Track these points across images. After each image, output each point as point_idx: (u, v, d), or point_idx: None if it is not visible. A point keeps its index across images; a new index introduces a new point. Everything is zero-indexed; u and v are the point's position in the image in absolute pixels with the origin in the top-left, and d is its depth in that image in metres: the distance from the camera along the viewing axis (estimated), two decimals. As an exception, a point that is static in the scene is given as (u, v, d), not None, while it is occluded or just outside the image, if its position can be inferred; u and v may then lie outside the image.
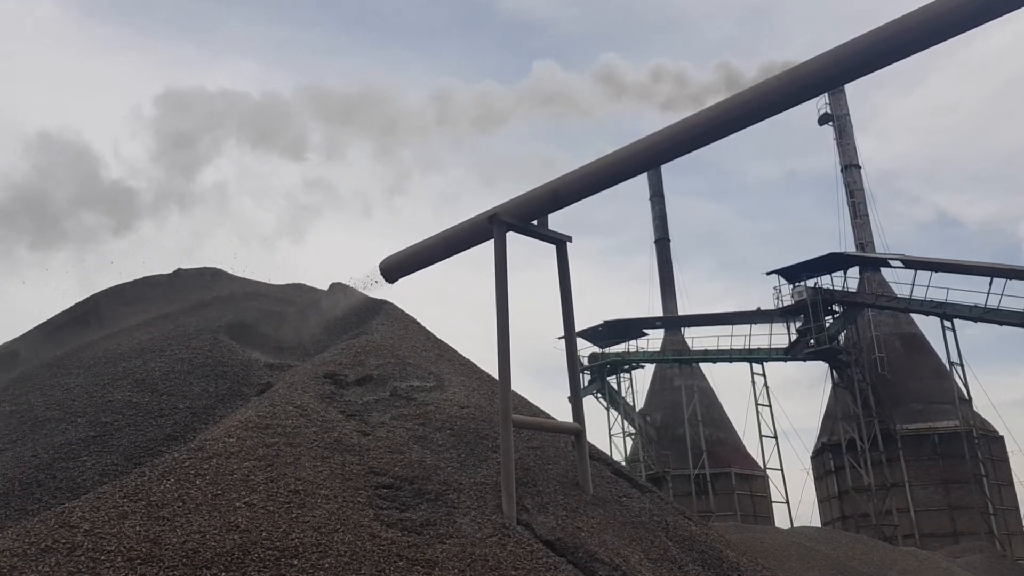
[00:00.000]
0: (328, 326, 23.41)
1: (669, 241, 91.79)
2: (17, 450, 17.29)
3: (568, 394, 16.43)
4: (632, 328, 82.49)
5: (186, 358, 20.40)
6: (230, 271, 30.47)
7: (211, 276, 29.86)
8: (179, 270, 30.57)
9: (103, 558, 11.49)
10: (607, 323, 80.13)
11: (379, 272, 19.63)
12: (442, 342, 21.90)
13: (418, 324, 22.66)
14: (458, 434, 16.42)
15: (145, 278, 30.52)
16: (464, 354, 21.88)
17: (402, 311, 23.31)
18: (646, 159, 14.77)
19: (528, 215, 16.06)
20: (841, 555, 32.45)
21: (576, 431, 15.88)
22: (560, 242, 16.66)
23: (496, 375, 16.60)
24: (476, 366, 21.01)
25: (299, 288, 27.73)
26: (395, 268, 19.31)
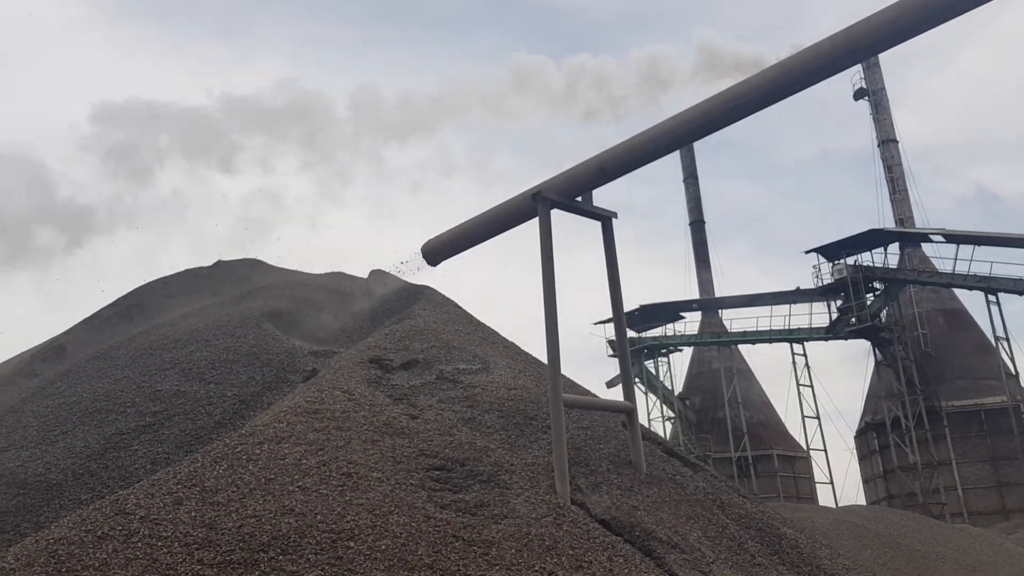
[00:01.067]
0: (369, 313, 23.34)
1: (704, 223, 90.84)
2: (68, 441, 17.39)
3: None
4: (669, 312, 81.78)
5: (231, 347, 20.42)
6: (269, 261, 30.55)
7: (251, 266, 29.95)
8: (220, 262, 30.70)
9: (160, 544, 11.47)
10: (643, 307, 79.54)
11: (421, 256, 19.41)
12: (485, 325, 21.74)
13: (460, 308, 22.52)
14: (507, 415, 16.24)
15: (187, 270, 30.70)
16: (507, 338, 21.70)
17: (443, 295, 23.18)
18: (695, 128, 14.41)
19: (573, 191, 15.80)
20: (893, 533, 31.90)
21: (628, 409, 15.62)
22: (606, 218, 16.37)
23: (541, 357, 16.43)
24: (520, 348, 20.82)
25: (339, 276, 27.68)
26: (437, 251, 19.11)
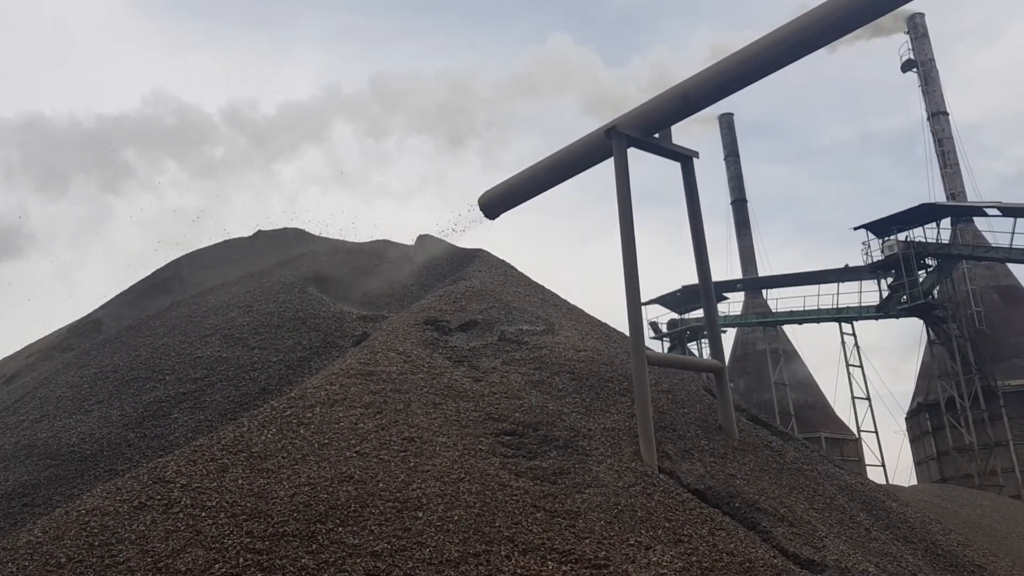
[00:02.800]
0: (419, 277, 21.91)
1: (746, 202, 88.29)
2: (104, 410, 16.16)
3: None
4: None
5: (275, 311, 19.10)
6: (311, 231, 29.23)
7: (293, 236, 28.65)
8: (259, 231, 29.46)
9: (204, 514, 10.12)
10: (685, 288, 77.34)
11: (478, 208, 17.86)
12: (543, 287, 20.21)
13: (516, 270, 21.02)
14: (579, 378, 14.72)
15: (226, 241, 29.50)
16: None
17: (497, 258, 21.67)
18: (787, 50, 12.75)
19: (652, 125, 14.19)
20: (971, 512, 30.01)
21: (716, 369, 14.04)
22: (687, 158, 14.74)
23: (606, 320, 14.85)
24: (584, 311, 19.26)
25: (384, 244, 26.27)
26: (496, 202, 17.54)
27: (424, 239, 24.70)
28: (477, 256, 21.62)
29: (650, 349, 13.23)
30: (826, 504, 12.74)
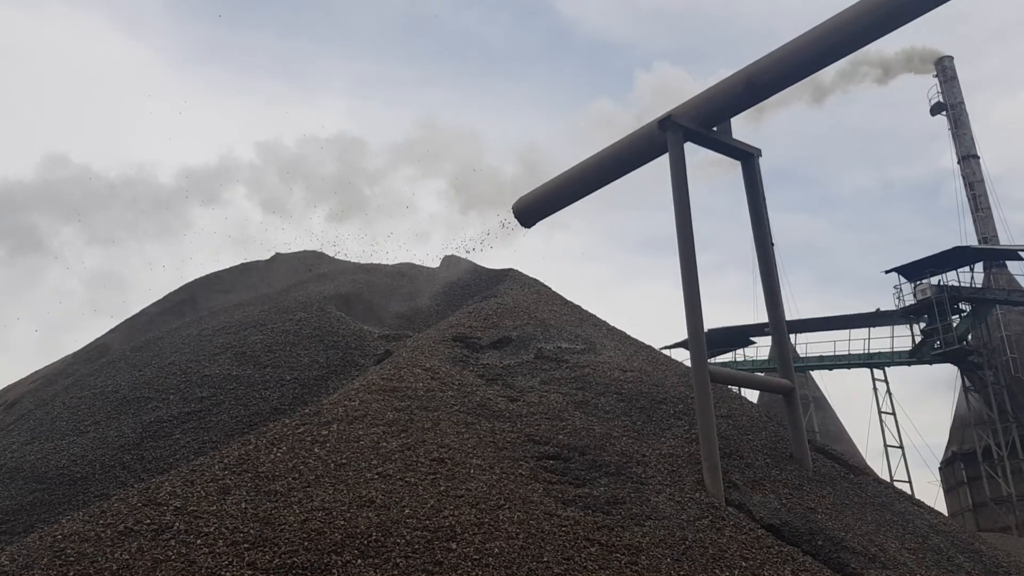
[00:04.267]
0: (445, 297, 20.45)
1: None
2: (100, 431, 14.70)
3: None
4: (738, 336, 77.37)
5: (291, 330, 17.66)
6: (332, 254, 27.89)
7: (312, 259, 27.29)
8: (277, 254, 28.12)
9: (199, 542, 8.57)
10: (712, 331, 75.10)
11: (512, 216, 16.37)
12: (580, 307, 18.65)
13: (550, 289, 19.50)
14: (627, 399, 13.14)
15: (242, 264, 28.13)
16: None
17: (529, 276, 20.18)
18: (852, 34, 11.33)
19: (711, 116, 12.74)
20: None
21: (786, 389, 12.41)
22: (748, 155, 13.27)
23: (648, 341, 13.28)
24: (626, 333, 17.68)
25: (408, 266, 24.87)
26: (533, 208, 16.00)
27: (450, 260, 23.30)
28: (508, 275, 20.17)
29: (712, 364, 11.60)
30: (919, 544, 11.01)
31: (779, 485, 11.29)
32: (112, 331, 26.91)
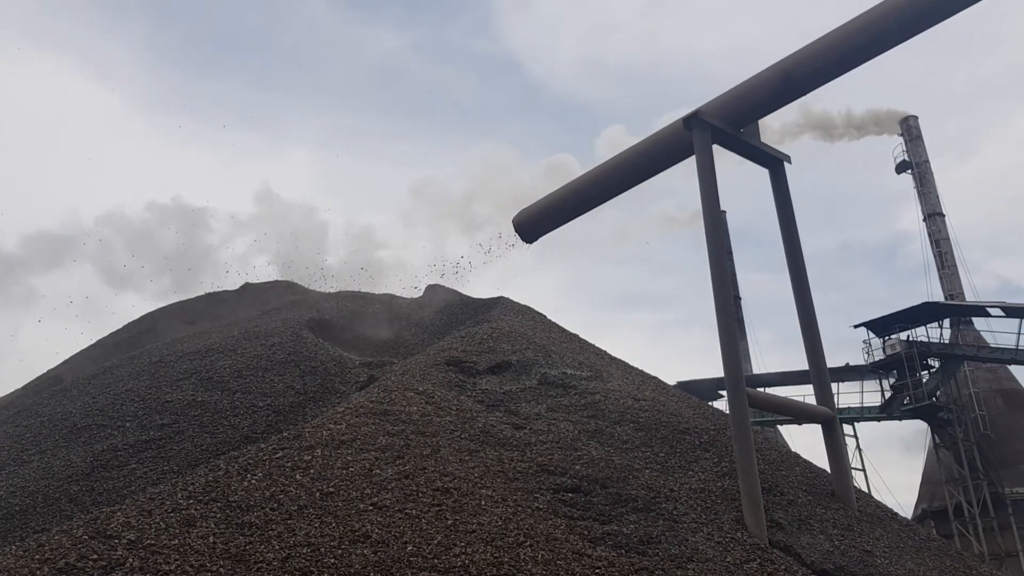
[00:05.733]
0: (432, 324, 19.01)
1: (740, 299, 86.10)
2: (45, 460, 13.00)
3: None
4: (706, 389, 76.27)
5: (263, 355, 16.08)
6: (304, 284, 26.31)
7: (283, 288, 25.68)
8: (247, 284, 26.48)
9: None
10: (680, 383, 74.07)
11: (513, 230, 15.03)
12: (577, 336, 17.30)
13: (544, 316, 18.14)
14: (646, 429, 11.75)
15: (209, 294, 26.43)
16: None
17: (520, 304, 18.82)
18: (896, 26, 10.31)
19: (742, 115, 11.59)
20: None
21: (826, 418, 11.09)
22: (778, 162, 12.13)
23: (653, 372, 11.96)
24: (626, 362, 16.33)
25: (389, 297, 23.40)
26: (536, 221, 14.66)
27: (434, 288, 21.88)
28: (498, 302, 18.79)
29: (752, 389, 10.28)
30: (990, 594, 9.69)
31: (827, 525, 9.92)
32: (65, 363, 25.01)
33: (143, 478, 11.69)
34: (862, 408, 74.98)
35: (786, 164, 12.16)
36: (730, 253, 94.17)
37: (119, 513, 8.20)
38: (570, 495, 9.47)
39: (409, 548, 7.62)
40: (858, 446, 75.19)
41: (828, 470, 11.84)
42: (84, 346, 25.88)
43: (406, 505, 8.45)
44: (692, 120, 11.40)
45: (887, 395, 71.65)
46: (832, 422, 11.06)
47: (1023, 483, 68.77)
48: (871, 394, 74.30)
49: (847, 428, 75.78)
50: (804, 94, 11.24)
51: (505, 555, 7.67)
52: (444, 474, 9.27)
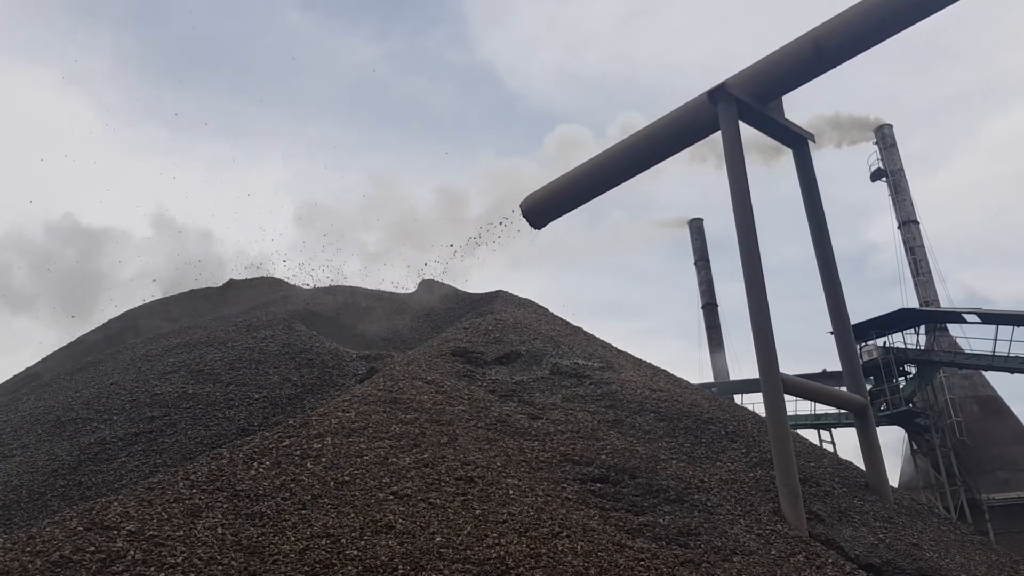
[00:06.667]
0: (429, 319, 18.36)
1: (717, 306, 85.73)
2: (29, 455, 12.23)
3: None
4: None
5: (255, 347, 15.38)
6: (290, 281, 25.54)
7: (269, 285, 24.92)
8: (232, 281, 25.69)
9: (163, 575, 6.34)
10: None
11: (522, 214, 14.41)
12: (581, 328, 16.74)
13: (546, 309, 17.58)
14: (668, 419, 11.19)
15: (192, 291, 25.62)
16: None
17: (521, 297, 18.25)
18: None
19: (769, 89, 11.08)
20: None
21: (859, 405, 10.59)
22: (801, 140, 11.64)
23: (662, 365, 11.44)
24: (634, 356, 15.78)
25: (381, 292, 22.73)
26: (546, 204, 14.04)
27: (428, 284, 21.26)
28: (497, 296, 18.20)
29: (787, 374, 9.74)
30: (1040, 589, 9.20)
31: (868, 517, 9.41)
32: (43, 360, 24.12)
33: (135, 471, 10.97)
34: (839, 414, 74.92)
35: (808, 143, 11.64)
36: (707, 260, 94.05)
37: (116, 503, 7.51)
38: (599, 485, 8.88)
39: (437, 539, 7.00)
40: (835, 452, 74.79)
41: (853, 463, 11.33)
42: (63, 343, 25.05)
43: (429, 494, 7.82)
44: (718, 93, 10.87)
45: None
46: (865, 410, 10.56)
47: (1000, 489, 69.02)
48: (848, 401, 73.33)
49: (824, 435, 75.53)
50: (835, 65, 10.74)
51: (542, 546, 7.07)
52: (465, 463, 8.66)
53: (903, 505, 10.29)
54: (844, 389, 11.61)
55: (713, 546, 7.85)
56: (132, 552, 6.62)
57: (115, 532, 6.97)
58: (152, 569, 6.41)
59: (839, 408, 11.46)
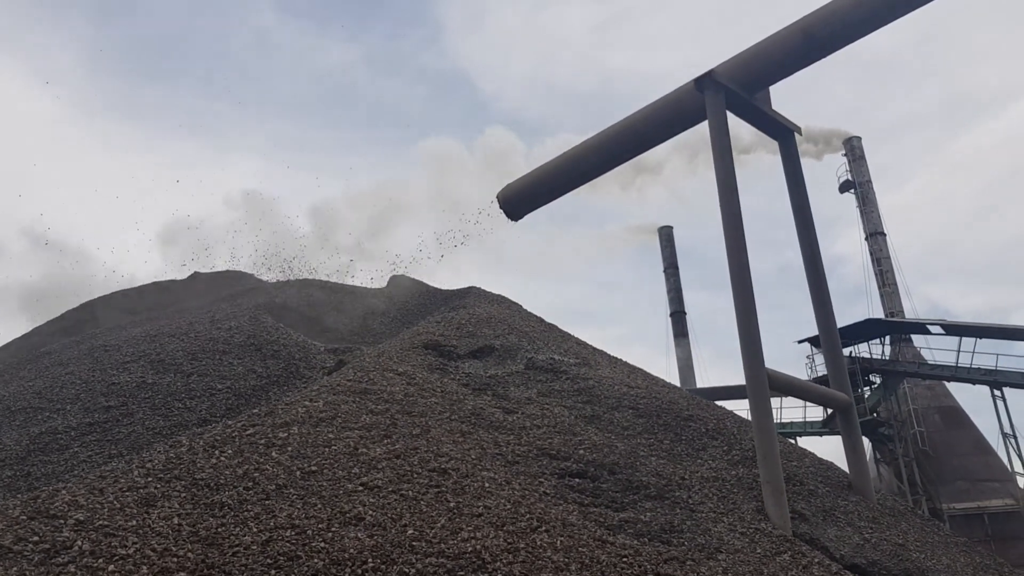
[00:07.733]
0: (400, 314, 17.93)
1: (685, 314, 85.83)
2: (-26, 444, 11.62)
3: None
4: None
5: (219, 338, 14.86)
6: (256, 275, 24.93)
7: (234, 278, 24.31)
8: (196, 273, 25.04)
9: (112, 568, 5.86)
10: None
11: (499, 206, 14.03)
12: (555, 325, 16.39)
13: (520, 305, 17.20)
14: (646, 415, 10.87)
15: (155, 283, 24.93)
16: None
17: (494, 293, 17.87)
18: None
19: (757, 78, 10.81)
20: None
21: (843, 404, 10.33)
22: (788, 132, 11.39)
23: (636, 363, 11.17)
24: (609, 354, 15.46)
25: (350, 286, 22.23)
26: (524, 195, 13.68)
27: (398, 279, 20.81)
28: (470, 292, 17.80)
29: (773, 370, 9.44)
30: (1027, 593, 8.97)
31: (852, 517, 9.13)
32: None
33: (87, 462, 10.42)
34: (804, 423, 75.37)
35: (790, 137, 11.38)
36: (676, 268, 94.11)
37: (64, 492, 7.01)
38: (577, 480, 8.52)
39: (410, 532, 6.59)
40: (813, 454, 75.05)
41: (835, 463, 11.09)
42: (19, 334, 24.29)
43: (400, 486, 7.41)
44: (705, 81, 10.57)
45: (829, 411, 71.99)
46: (849, 408, 10.30)
47: (959, 499, 69.57)
48: (814, 409, 74.40)
49: (791, 443, 76.08)
50: (826, 55, 10.48)
51: (520, 541, 6.68)
52: (439, 455, 8.25)
53: (886, 506, 10.04)
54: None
55: (697, 544, 7.51)
56: (79, 542, 6.14)
57: (62, 522, 6.47)
58: (100, 560, 5.93)
59: (824, 406, 11.16)
